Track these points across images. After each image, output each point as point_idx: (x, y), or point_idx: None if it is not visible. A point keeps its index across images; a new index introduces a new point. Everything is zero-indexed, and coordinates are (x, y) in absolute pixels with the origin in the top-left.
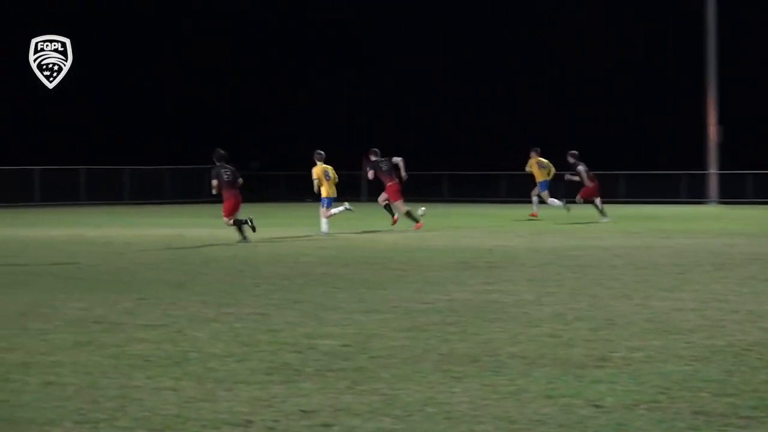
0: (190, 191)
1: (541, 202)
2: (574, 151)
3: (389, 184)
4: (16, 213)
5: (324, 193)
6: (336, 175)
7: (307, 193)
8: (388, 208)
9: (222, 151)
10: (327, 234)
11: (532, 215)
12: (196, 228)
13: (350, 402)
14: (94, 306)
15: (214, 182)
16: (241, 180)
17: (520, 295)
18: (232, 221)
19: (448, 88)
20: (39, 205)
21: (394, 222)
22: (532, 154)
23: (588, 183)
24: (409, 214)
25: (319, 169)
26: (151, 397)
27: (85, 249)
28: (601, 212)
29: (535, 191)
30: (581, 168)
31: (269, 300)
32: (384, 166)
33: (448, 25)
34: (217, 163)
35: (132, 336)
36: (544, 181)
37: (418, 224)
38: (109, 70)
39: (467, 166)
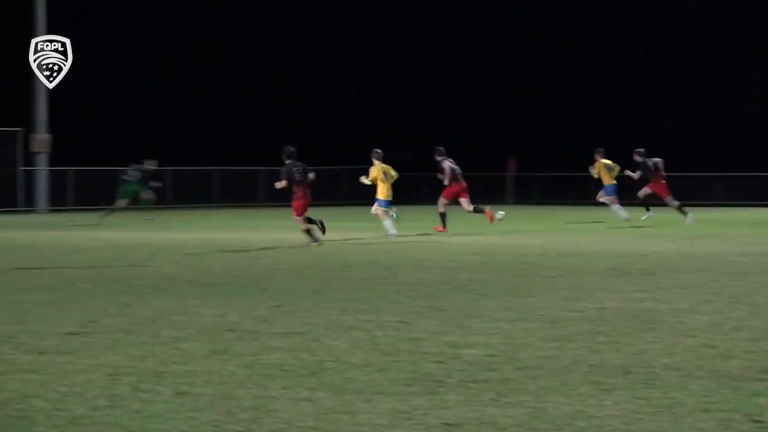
0: (327, 193)
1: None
2: (640, 149)
3: (453, 184)
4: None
5: (380, 194)
6: (394, 175)
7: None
8: (442, 215)
9: (292, 148)
10: (395, 235)
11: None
12: (334, 231)
13: (495, 415)
14: (228, 313)
15: (284, 182)
16: (312, 175)
17: (674, 303)
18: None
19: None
20: (170, 207)
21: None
22: (597, 156)
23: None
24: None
25: (377, 169)
26: (287, 408)
27: (219, 253)
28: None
29: (601, 195)
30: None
31: (411, 307)
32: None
33: (448, 25)
34: (287, 161)
35: (267, 344)
36: (613, 185)
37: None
38: (109, 70)
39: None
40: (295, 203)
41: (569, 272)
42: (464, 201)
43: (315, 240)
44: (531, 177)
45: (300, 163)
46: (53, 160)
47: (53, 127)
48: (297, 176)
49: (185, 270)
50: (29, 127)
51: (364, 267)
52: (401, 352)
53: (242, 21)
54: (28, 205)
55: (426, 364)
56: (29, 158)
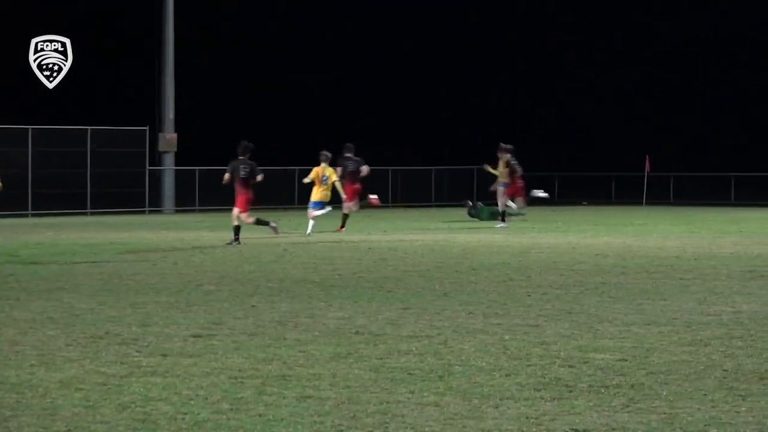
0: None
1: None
2: (508, 146)
3: (353, 185)
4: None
5: (313, 196)
6: (334, 181)
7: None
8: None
9: (249, 144)
10: (310, 234)
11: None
12: (464, 233)
13: (626, 421)
14: (354, 315)
15: (227, 176)
16: (260, 177)
17: None
18: (254, 220)
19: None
20: (297, 207)
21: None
22: (500, 153)
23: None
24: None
25: (317, 170)
26: (413, 413)
27: (346, 255)
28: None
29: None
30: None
31: (541, 310)
32: (351, 166)
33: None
34: (240, 157)
35: (394, 348)
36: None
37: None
38: (109, 69)
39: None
40: (240, 199)
41: (704, 275)
42: (351, 203)
43: (237, 240)
44: (666, 177)
45: (250, 162)
46: (180, 159)
47: (180, 126)
48: (242, 174)
49: (312, 272)
50: (156, 126)
51: (494, 269)
52: (531, 356)
53: (243, 21)
54: (155, 205)
55: (556, 369)
56: (155, 158)
